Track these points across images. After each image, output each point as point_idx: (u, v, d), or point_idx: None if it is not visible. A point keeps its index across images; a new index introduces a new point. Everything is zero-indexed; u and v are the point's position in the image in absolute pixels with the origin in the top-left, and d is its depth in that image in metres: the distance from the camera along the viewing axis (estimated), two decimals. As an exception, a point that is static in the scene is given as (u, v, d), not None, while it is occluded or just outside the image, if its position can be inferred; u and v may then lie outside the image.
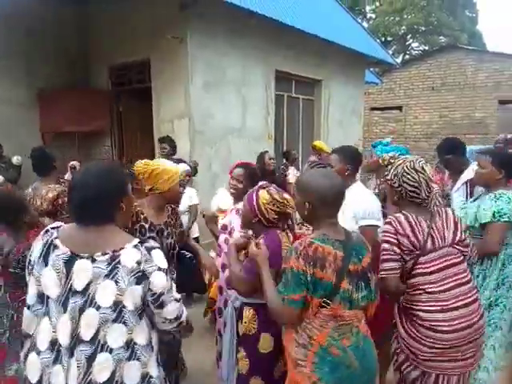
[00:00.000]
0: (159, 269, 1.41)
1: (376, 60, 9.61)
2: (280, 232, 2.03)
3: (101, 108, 6.66)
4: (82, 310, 1.35)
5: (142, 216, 2.24)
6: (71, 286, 1.37)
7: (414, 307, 1.91)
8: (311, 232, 1.76)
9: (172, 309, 1.45)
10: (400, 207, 2.07)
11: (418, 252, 1.91)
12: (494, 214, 2.37)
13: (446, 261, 1.92)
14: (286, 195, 2.06)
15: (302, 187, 1.72)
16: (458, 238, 1.96)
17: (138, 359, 1.40)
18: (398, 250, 1.90)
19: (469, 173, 3.18)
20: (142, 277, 1.37)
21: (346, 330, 1.62)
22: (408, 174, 1.97)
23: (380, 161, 3.20)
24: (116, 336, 1.36)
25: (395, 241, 1.91)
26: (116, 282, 1.35)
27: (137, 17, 5.98)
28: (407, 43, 25.86)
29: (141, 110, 6.67)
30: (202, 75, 5.86)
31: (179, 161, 4.96)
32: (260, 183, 2.16)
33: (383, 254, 1.94)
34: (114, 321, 1.36)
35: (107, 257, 1.37)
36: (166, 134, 5.27)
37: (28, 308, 1.43)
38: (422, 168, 1.98)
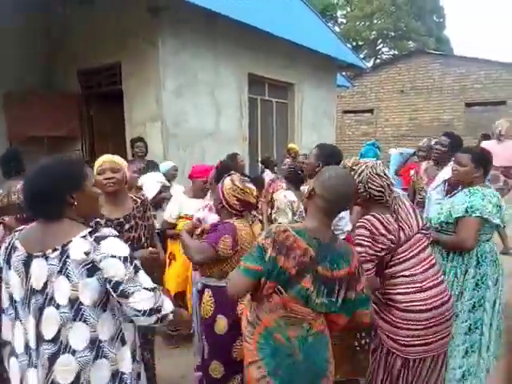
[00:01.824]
0: (112, 256, 1.36)
1: (347, 64, 9.78)
2: (241, 222, 2.19)
3: (70, 112, 6.51)
4: (41, 309, 1.34)
5: None
6: (31, 286, 1.36)
7: (392, 291, 1.99)
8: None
9: (141, 298, 1.38)
10: (365, 208, 2.12)
11: (394, 246, 1.98)
12: (466, 209, 2.37)
13: (417, 247, 2.02)
14: (249, 185, 2.21)
15: (320, 176, 1.68)
16: (420, 224, 2.08)
17: (105, 357, 1.38)
18: (370, 251, 1.96)
19: (448, 171, 3.18)
20: (92, 267, 1.34)
21: (295, 322, 1.61)
22: (373, 180, 2.03)
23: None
24: (78, 336, 1.34)
25: (369, 243, 1.95)
26: (67, 277, 1.33)
27: (107, 20, 5.89)
28: (377, 48, 26.48)
29: (112, 114, 6.56)
30: (174, 78, 5.83)
31: (153, 163, 4.94)
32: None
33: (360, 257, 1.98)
34: (74, 319, 1.34)
35: (57, 253, 1.35)
36: (136, 137, 5.25)
37: (4, 313, 1.42)
38: (384, 173, 2.05)
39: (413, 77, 14.51)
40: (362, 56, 23.90)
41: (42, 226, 1.41)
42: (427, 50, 15.71)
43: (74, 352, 1.33)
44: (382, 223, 1.98)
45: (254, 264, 1.57)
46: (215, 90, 6.57)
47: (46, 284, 1.34)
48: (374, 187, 2.02)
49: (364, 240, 1.96)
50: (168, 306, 1.48)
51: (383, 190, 2.02)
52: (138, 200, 2.43)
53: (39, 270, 1.35)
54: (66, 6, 6.21)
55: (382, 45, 26.50)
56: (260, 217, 3.18)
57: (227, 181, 2.23)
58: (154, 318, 1.43)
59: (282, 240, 1.56)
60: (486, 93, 13.30)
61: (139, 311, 1.39)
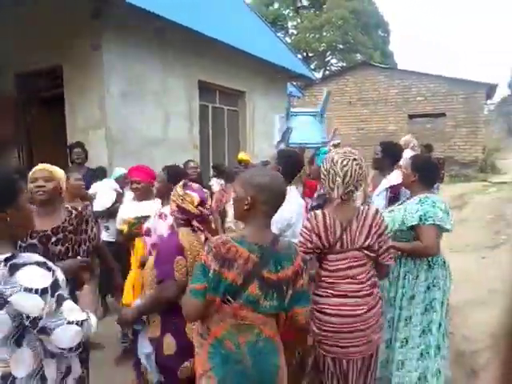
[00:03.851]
0: (27, 289, 1.22)
1: (297, 74, 9.96)
2: (185, 232, 2.07)
3: (6, 117, 6.08)
4: None
5: None
6: None
7: (315, 292, 2.10)
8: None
9: (63, 335, 1.25)
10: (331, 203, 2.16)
11: (325, 251, 2.05)
12: (420, 217, 2.43)
13: (349, 262, 2.04)
14: (190, 192, 2.09)
15: (246, 181, 1.63)
16: (367, 243, 2.04)
17: None
18: (309, 245, 2.04)
19: (391, 178, 3.30)
20: (0, 300, 1.20)
21: (244, 329, 1.60)
22: (325, 161, 2.09)
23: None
24: None
25: (308, 237, 2.03)
26: None
27: (48, 22, 5.57)
28: (326, 59, 27.36)
29: (53, 119, 6.21)
30: (120, 84, 5.62)
31: (102, 169, 4.71)
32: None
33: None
34: None
35: None
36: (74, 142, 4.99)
37: None
38: (338, 161, 2.01)
39: (359, 88, 15.09)
40: (312, 67, 24.57)
41: None
42: (373, 63, 16.43)
43: None
44: (325, 224, 2.02)
45: (199, 283, 1.55)
46: (164, 97, 6.43)
47: None
48: (322, 169, 2.09)
49: (305, 233, 2.05)
50: (90, 327, 1.38)
51: (326, 174, 2.05)
52: (74, 211, 2.28)
53: None
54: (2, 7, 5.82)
55: (330, 56, 27.42)
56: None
57: (176, 187, 2.16)
58: (78, 351, 1.31)
59: (224, 252, 1.53)
60: (427, 105, 14.09)
61: (63, 349, 1.27)
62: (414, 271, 2.55)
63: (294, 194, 2.72)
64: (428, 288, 2.54)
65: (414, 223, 2.45)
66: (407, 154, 4.64)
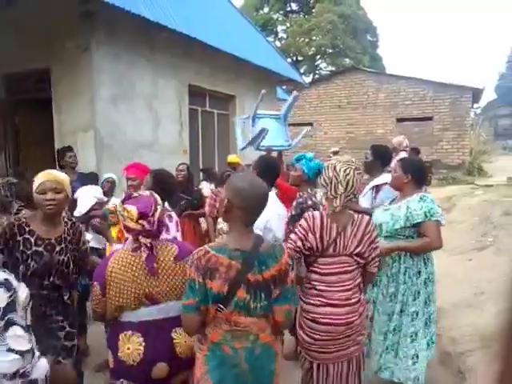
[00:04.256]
0: None
1: (286, 78, 10.02)
2: (124, 252, 1.86)
3: (-8, 119, 6.01)
4: None
5: (28, 229, 2.08)
6: None
7: (305, 301, 2.14)
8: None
9: (2, 360, 1.18)
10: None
11: (317, 253, 2.09)
12: (425, 214, 2.52)
13: (340, 267, 2.09)
14: (127, 206, 1.83)
15: (228, 184, 1.65)
16: (358, 250, 2.10)
17: None
18: (300, 244, 2.09)
19: (377, 179, 3.36)
20: None
21: (240, 335, 1.61)
22: (327, 170, 2.14)
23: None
24: None
25: (302, 236, 2.08)
26: None
27: (36, 23, 5.53)
28: (316, 63, 27.55)
29: (40, 122, 6.14)
30: (109, 87, 5.59)
31: (94, 175, 4.66)
32: None
33: (289, 241, 2.12)
34: None
35: None
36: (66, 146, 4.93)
37: None
38: (340, 170, 2.09)
39: (349, 92, 15.22)
40: (301, 71, 24.75)
41: None
42: (362, 68, 16.61)
43: None
44: (321, 225, 2.07)
45: (189, 299, 1.58)
46: (154, 101, 6.41)
47: None
48: (324, 176, 2.14)
49: (300, 231, 2.10)
50: (41, 372, 1.29)
51: (328, 182, 2.10)
52: (69, 222, 2.26)
53: None
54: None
55: (320, 61, 27.62)
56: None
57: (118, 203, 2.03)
58: (17, 382, 1.23)
59: (204, 264, 1.54)
60: (414, 109, 14.27)
61: (2, 374, 1.20)
62: (415, 268, 2.66)
63: (272, 199, 2.72)
64: (425, 283, 2.67)
65: (419, 220, 2.54)
66: (402, 156, 4.69)
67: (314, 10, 25.42)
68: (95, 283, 1.85)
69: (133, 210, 1.80)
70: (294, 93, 4.87)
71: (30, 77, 6.03)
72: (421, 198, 2.60)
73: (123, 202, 1.88)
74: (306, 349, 2.14)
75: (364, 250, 2.10)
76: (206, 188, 5.59)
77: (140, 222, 1.80)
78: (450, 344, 3.53)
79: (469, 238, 6.72)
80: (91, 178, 4.59)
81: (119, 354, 1.80)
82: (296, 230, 2.13)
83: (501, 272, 4.84)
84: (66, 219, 2.26)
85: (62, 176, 2.13)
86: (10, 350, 1.20)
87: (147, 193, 1.96)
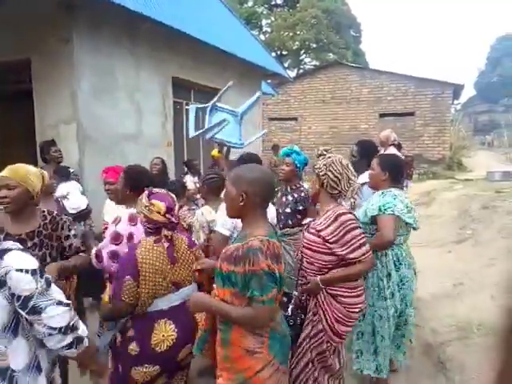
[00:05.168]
0: (18, 269, 1.25)
1: (271, 72, 10.01)
2: (148, 243, 2.04)
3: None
4: None
5: None
6: None
7: (348, 295, 2.15)
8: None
9: (54, 313, 1.28)
10: (319, 198, 2.27)
11: None
12: (379, 208, 2.53)
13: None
14: (155, 201, 2.04)
15: (238, 179, 1.71)
16: None
17: None
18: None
19: (364, 176, 3.30)
20: None
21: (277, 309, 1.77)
22: (335, 165, 2.18)
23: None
24: None
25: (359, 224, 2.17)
26: None
27: (16, 13, 5.38)
28: (300, 58, 27.56)
29: (20, 115, 6.00)
30: (92, 79, 5.49)
31: (65, 169, 4.57)
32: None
33: (360, 238, 2.10)
34: None
35: None
36: (50, 139, 4.82)
37: None
38: (347, 165, 2.21)
39: (333, 87, 15.31)
40: (286, 65, 24.74)
41: None
42: (345, 63, 16.69)
43: None
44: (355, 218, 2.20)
45: (272, 291, 1.60)
46: (137, 93, 6.33)
47: None
48: (332, 171, 2.17)
49: (356, 223, 2.14)
50: (84, 330, 1.39)
51: (340, 177, 2.16)
52: (48, 216, 2.20)
53: None
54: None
55: (304, 55, 27.64)
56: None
57: (141, 197, 2.11)
58: (69, 338, 1.32)
59: (273, 251, 1.61)
60: (397, 104, 14.45)
61: (54, 328, 1.28)
62: (384, 270, 2.62)
63: None
64: (398, 286, 2.63)
65: (374, 213, 2.55)
66: (392, 151, 4.70)
67: (298, 5, 25.37)
68: (127, 277, 1.95)
69: (161, 204, 2.03)
70: (258, 93, 4.80)
71: (8, 68, 5.87)
72: (382, 193, 2.62)
73: (148, 197, 2.06)
74: (339, 338, 2.16)
75: None
76: (190, 182, 5.57)
77: (166, 215, 2.02)
78: (430, 334, 3.62)
79: (448, 231, 6.89)
80: (68, 173, 4.50)
81: (152, 342, 1.96)
82: (354, 224, 2.11)
83: (479, 263, 4.99)
84: (45, 213, 2.20)
85: (22, 171, 2.02)
86: (59, 303, 1.31)
87: (163, 190, 2.18)
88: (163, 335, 1.98)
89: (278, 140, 15.77)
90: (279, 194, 3.48)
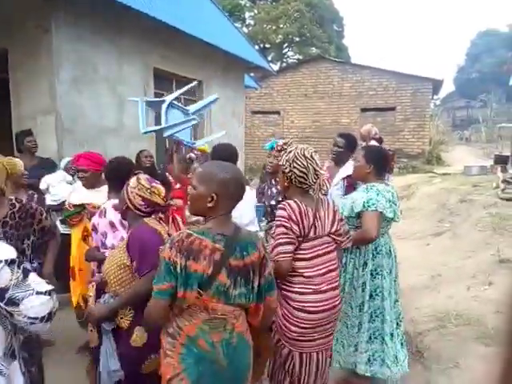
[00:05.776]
0: None
1: (254, 65, 9.98)
2: (152, 221, 2.04)
3: None
4: None
5: None
6: None
7: (290, 289, 2.06)
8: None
9: (33, 304, 1.26)
10: (288, 193, 2.19)
11: (300, 239, 2.05)
12: (364, 204, 2.52)
13: (322, 248, 2.10)
14: (155, 184, 2.08)
15: (209, 178, 1.60)
16: (334, 229, 2.15)
17: (0, 373, 1.26)
18: (292, 234, 2.02)
19: (346, 168, 3.31)
20: None
21: (218, 324, 1.59)
22: (298, 159, 2.08)
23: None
24: None
25: (289, 225, 2.01)
26: None
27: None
28: (283, 52, 27.50)
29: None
30: (71, 70, 5.38)
31: (50, 161, 4.48)
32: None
33: (279, 238, 2.01)
34: None
35: None
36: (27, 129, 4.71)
37: None
38: (311, 156, 2.10)
39: (315, 82, 15.36)
40: (269, 59, 24.65)
41: None
42: (328, 57, 16.76)
43: None
44: (299, 211, 2.04)
45: (166, 283, 1.51)
46: (118, 84, 6.23)
47: None
48: (297, 166, 2.08)
49: (285, 221, 2.02)
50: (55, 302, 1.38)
51: (306, 171, 2.08)
52: (17, 204, 2.18)
53: None
54: None
55: (287, 49, 27.58)
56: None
57: (133, 180, 2.08)
58: (47, 325, 1.32)
59: (188, 245, 1.51)
60: (378, 99, 14.61)
61: (35, 318, 1.26)
62: (361, 259, 2.65)
63: None
64: (371, 275, 2.63)
65: (359, 210, 2.55)
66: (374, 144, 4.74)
67: (281, -2, 25.27)
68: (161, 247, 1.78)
69: (161, 187, 2.09)
70: (215, 95, 4.78)
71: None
72: (366, 188, 2.62)
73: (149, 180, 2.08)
74: (290, 339, 2.06)
75: (339, 228, 2.17)
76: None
77: (164, 198, 2.09)
78: (408, 324, 3.71)
79: (427, 224, 7.04)
80: (50, 164, 4.43)
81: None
82: (280, 222, 2.03)
83: (456, 256, 5.13)
84: (13, 202, 2.19)
85: None
86: (38, 292, 1.28)
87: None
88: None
89: (260, 134, 15.78)
90: (266, 187, 3.49)
